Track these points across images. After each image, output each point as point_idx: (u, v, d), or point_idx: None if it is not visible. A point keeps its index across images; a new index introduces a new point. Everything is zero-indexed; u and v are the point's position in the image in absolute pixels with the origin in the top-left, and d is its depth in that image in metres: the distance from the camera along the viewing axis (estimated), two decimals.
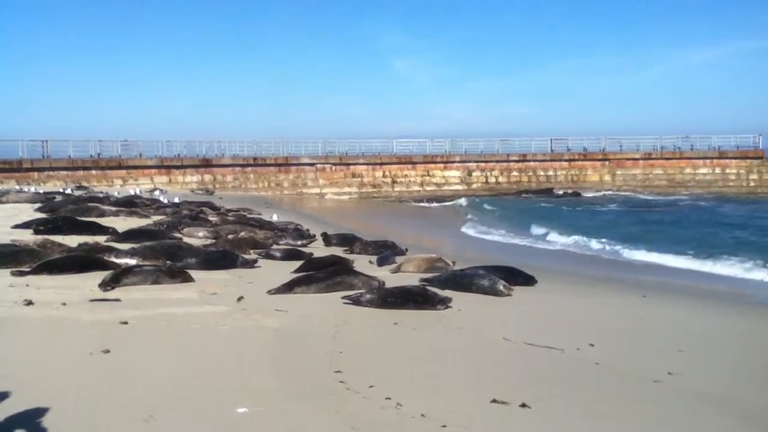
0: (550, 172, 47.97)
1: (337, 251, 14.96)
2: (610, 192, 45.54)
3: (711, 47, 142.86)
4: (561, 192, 44.24)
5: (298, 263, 12.31)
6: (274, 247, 15.02)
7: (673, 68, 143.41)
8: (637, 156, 49.18)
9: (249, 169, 43.05)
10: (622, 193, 44.86)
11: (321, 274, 10.53)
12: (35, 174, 37.51)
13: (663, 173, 48.41)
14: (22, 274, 9.90)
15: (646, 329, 8.99)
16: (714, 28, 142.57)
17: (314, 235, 17.49)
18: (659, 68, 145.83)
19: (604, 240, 20.55)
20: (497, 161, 47.77)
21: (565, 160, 48.71)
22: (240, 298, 9.08)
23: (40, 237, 13.59)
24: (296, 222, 21.31)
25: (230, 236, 15.72)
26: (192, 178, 41.31)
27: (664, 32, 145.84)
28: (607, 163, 48.65)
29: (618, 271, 15.65)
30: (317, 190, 43.30)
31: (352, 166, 45.41)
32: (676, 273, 15.52)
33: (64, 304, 8.25)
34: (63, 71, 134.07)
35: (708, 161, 48.70)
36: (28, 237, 13.72)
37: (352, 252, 15.20)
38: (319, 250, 15.29)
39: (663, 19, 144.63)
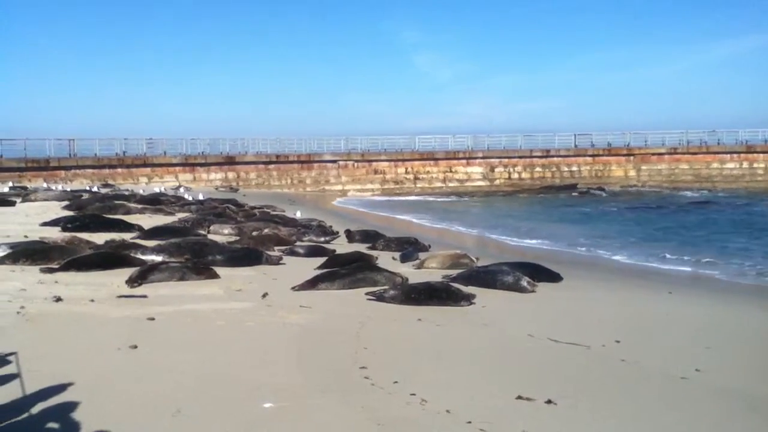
0: (574, 168, 47.53)
1: (360, 248, 14.99)
2: (635, 187, 45.07)
3: (738, 40, 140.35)
4: (584, 188, 43.76)
5: (321, 260, 12.37)
6: (298, 243, 15.11)
7: (698, 61, 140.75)
8: (663, 151, 48.54)
9: (272, 166, 43.22)
10: (648, 189, 44.33)
11: (344, 270, 10.58)
12: (62, 172, 38.01)
13: (689, 168, 47.74)
14: (51, 271, 10.06)
15: (672, 326, 8.90)
16: (739, 21, 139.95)
17: (337, 232, 17.57)
18: (684, 62, 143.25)
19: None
20: (520, 157, 47.42)
21: (589, 156, 48.21)
22: (265, 295, 9.14)
23: (68, 234, 13.82)
24: (319, 219, 21.41)
25: (254, 233, 15.84)
26: (216, 176, 41.61)
27: (689, 25, 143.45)
28: (632, 158, 48.09)
29: (644, 267, 15.49)
30: (340, 187, 43.36)
31: (374, 163, 45.41)
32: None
33: (93, 300, 8.37)
34: (89, 70, 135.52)
35: (735, 156, 47.97)
36: (56, 234, 13.95)
37: (375, 248, 15.23)
38: (342, 246, 15.33)
39: (687, 12, 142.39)
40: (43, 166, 37.88)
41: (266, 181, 42.52)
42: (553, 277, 11.63)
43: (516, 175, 46.82)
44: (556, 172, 47.23)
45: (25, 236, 13.43)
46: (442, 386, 5.74)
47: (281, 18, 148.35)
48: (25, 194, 24.65)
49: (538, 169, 47.20)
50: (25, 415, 4.57)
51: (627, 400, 5.70)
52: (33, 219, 17.20)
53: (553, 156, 47.86)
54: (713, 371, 6.65)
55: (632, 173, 47.62)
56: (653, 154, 48.38)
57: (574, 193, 41.26)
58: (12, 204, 21.04)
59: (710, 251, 17.52)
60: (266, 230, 16.33)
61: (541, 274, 11.52)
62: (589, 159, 48.09)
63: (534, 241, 20.07)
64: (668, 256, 16.78)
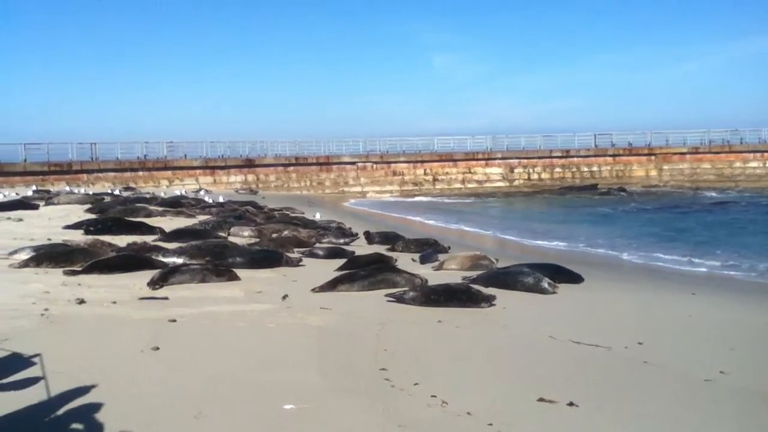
0: (594, 168, 47.25)
1: (380, 249, 15.00)
2: (656, 187, 44.62)
3: (760, 37, 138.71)
4: (605, 189, 43.36)
5: (341, 261, 12.38)
6: (317, 245, 15.13)
7: (719, 60, 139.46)
8: (684, 150, 48.13)
9: (291, 168, 43.45)
10: (670, 189, 43.88)
11: (364, 272, 10.57)
12: (84, 176, 38.48)
13: (711, 167, 47.26)
14: (74, 273, 10.17)
15: (696, 327, 8.79)
16: (760, 20, 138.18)
17: (356, 234, 17.58)
18: (705, 60, 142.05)
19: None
20: (539, 157, 47.25)
21: (610, 156, 47.93)
22: (285, 297, 9.17)
23: (90, 237, 13.96)
24: (338, 220, 21.45)
25: (274, 235, 15.89)
26: (236, 178, 41.89)
27: (709, 24, 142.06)
28: (653, 157, 47.73)
29: (666, 268, 15.34)
30: (359, 189, 43.44)
31: (393, 164, 45.48)
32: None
33: (115, 302, 8.45)
34: (110, 75, 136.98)
35: (758, 154, 47.46)
36: (79, 237, 14.10)
37: (394, 250, 15.21)
38: (361, 248, 15.34)
39: (707, 11, 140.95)
40: (65, 170, 38.38)
41: (285, 183, 42.75)
42: (575, 278, 11.53)
43: (536, 176, 46.64)
44: (576, 172, 46.98)
45: (49, 239, 13.61)
46: (462, 388, 5.72)
47: (299, 20, 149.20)
48: (48, 198, 24.94)
49: (557, 169, 46.98)
50: (50, 416, 4.62)
51: (650, 402, 5.64)
52: (56, 222, 17.40)
53: (573, 156, 47.62)
54: (738, 373, 6.56)
55: (653, 173, 47.22)
56: (675, 154, 47.98)
57: (593, 196, 40.87)
58: (36, 207, 21.28)
59: (733, 252, 17.28)
60: (286, 232, 16.38)
61: (561, 275, 11.42)
62: (609, 159, 47.81)
63: (554, 242, 19.95)
64: (691, 256, 16.58)
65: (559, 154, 47.55)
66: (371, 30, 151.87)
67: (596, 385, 6.02)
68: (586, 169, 47.16)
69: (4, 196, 26.61)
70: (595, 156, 47.84)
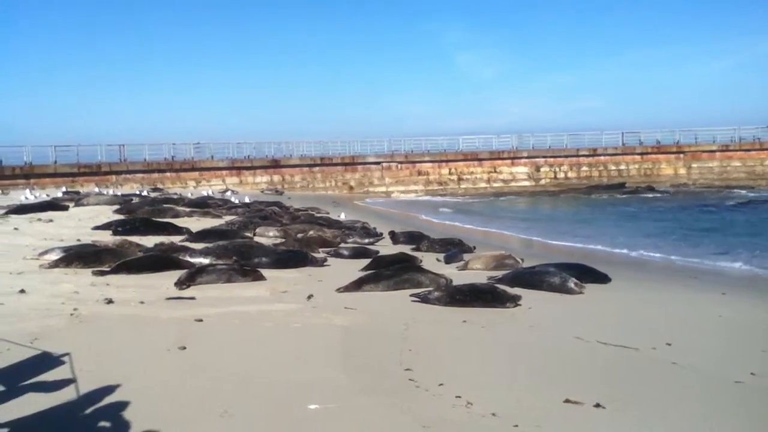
0: (622, 167, 46.72)
1: (405, 249, 14.99)
2: (685, 186, 44.02)
3: None
4: (632, 187, 42.89)
5: (366, 261, 12.39)
6: (342, 245, 15.17)
7: (747, 56, 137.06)
8: (714, 148, 47.37)
9: (316, 168, 43.60)
10: (699, 188, 43.26)
11: (389, 272, 10.57)
12: (113, 177, 39.01)
13: (742, 165, 46.47)
14: (102, 273, 10.31)
15: (726, 328, 8.64)
16: None
17: (381, 233, 17.58)
18: (733, 57, 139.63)
19: None
20: (566, 156, 46.84)
21: (638, 154, 47.34)
22: (310, 296, 9.20)
23: (118, 238, 14.14)
24: (363, 220, 21.47)
25: (299, 235, 15.96)
26: (261, 179, 42.14)
27: (736, 21, 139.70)
28: (681, 155, 47.02)
29: (695, 267, 15.10)
30: (383, 189, 43.47)
31: (417, 164, 45.43)
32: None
33: (142, 302, 8.54)
34: (136, 75, 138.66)
35: None
36: (107, 238, 14.29)
37: (419, 250, 15.20)
38: (386, 248, 15.34)
39: (735, 7, 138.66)
40: (94, 171, 38.95)
41: (311, 183, 42.92)
42: (601, 278, 11.41)
43: (562, 175, 46.26)
44: (603, 171, 46.51)
45: (78, 240, 13.81)
46: (488, 389, 5.69)
47: (321, 19, 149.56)
48: (78, 199, 25.30)
49: (584, 168, 46.54)
50: (78, 414, 4.69)
51: (678, 404, 5.56)
52: (85, 223, 17.65)
53: (600, 155, 47.13)
54: None
55: (682, 171, 46.55)
56: (704, 152, 47.22)
57: (619, 195, 40.34)
58: (66, 208, 21.61)
59: (765, 251, 16.97)
60: (311, 232, 16.45)
61: (588, 275, 11.31)
62: (637, 157, 47.23)
63: (580, 242, 19.76)
64: (721, 256, 16.33)
65: (586, 153, 47.09)
66: (393, 29, 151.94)
67: (623, 386, 5.95)
68: (613, 167, 46.65)
69: (35, 197, 27.06)
70: (622, 154, 47.29)
